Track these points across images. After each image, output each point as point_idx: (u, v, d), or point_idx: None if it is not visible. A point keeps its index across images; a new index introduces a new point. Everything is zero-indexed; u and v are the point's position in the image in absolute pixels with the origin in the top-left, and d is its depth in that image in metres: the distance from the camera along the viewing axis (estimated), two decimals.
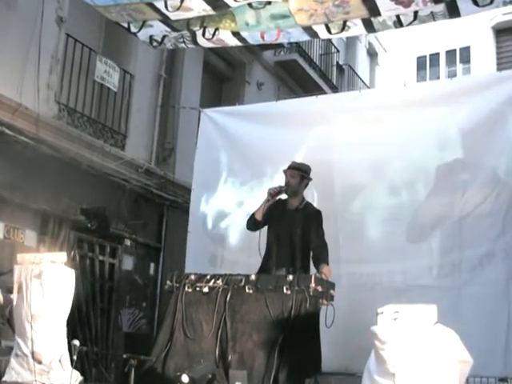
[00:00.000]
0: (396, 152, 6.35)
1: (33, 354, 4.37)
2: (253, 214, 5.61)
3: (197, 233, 7.19)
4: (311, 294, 4.65)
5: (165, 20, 5.13)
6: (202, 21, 5.14)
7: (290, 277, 4.76)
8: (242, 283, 4.87)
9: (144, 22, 5.23)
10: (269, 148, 6.93)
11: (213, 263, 6.78)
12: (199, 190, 7.34)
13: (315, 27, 5.00)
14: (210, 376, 4.32)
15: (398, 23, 4.82)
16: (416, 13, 4.68)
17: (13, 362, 4.49)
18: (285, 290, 4.70)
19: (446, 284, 5.89)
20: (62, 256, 4.71)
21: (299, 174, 5.55)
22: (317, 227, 5.43)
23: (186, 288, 5.05)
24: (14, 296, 4.66)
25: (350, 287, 6.05)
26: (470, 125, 6.09)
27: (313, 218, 5.47)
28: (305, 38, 5.33)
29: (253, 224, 5.59)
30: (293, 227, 5.42)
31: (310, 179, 5.63)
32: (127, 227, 8.96)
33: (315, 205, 5.92)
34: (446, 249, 6.02)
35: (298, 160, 6.17)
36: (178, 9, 4.79)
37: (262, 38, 5.31)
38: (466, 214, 5.97)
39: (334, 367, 5.52)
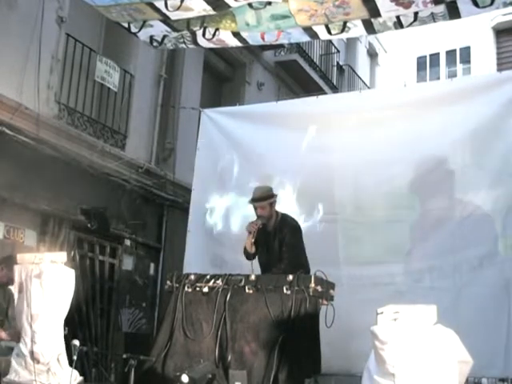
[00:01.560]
0: (396, 153, 6.35)
1: (32, 353, 4.37)
2: (245, 249, 5.61)
3: (196, 233, 7.20)
4: (311, 294, 4.67)
5: (165, 20, 5.12)
6: (203, 21, 5.14)
7: (290, 277, 4.77)
8: (242, 283, 4.88)
9: (144, 21, 5.23)
10: (269, 149, 6.95)
11: (213, 263, 6.78)
12: (199, 190, 7.34)
13: (315, 28, 5.00)
14: (210, 376, 4.32)
15: (399, 24, 4.82)
16: (416, 14, 4.68)
17: (13, 361, 4.50)
18: (285, 290, 4.71)
19: (446, 285, 5.89)
20: (62, 256, 4.71)
21: (266, 203, 5.52)
22: (289, 243, 5.42)
23: (186, 288, 5.06)
24: (14, 296, 4.67)
25: (351, 289, 6.06)
26: (471, 126, 6.09)
27: (289, 233, 5.47)
28: (305, 38, 5.33)
29: (248, 256, 5.61)
30: (275, 245, 5.46)
31: (276, 196, 5.64)
32: (127, 227, 8.97)
33: (315, 206, 5.96)
34: (447, 250, 6.02)
35: (299, 163, 6.22)
36: (179, 8, 4.79)
37: (263, 38, 5.31)
38: (466, 215, 5.98)
39: (333, 368, 5.52)
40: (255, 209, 5.58)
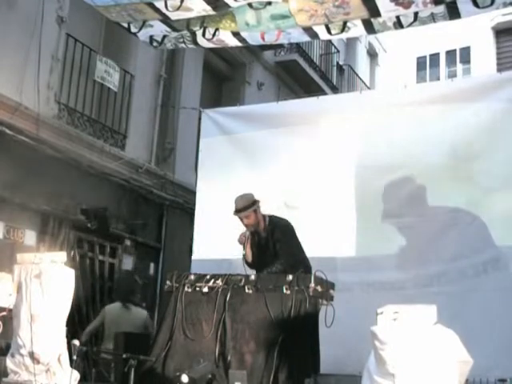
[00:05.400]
0: (399, 157, 6.34)
1: (32, 353, 4.36)
2: (245, 259, 5.52)
3: (203, 234, 7.19)
4: (311, 294, 4.67)
5: (165, 20, 5.12)
6: (202, 21, 5.14)
7: (290, 277, 4.77)
8: (242, 283, 4.88)
9: (144, 22, 5.23)
10: (270, 150, 6.95)
11: (220, 266, 6.72)
12: (205, 192, 7.32)
13: (315, 28, 5.00)
14: (210, 376, 4.32)
15: (398, 24, 4.81)
16: (416, 14, 4.68)
17: (8, 362, 4.49)
18: (284, 290, 4.71)
19: (453, 290, 5.92)
20: (62, 256, 4.71)
21: (250, 211, 5.40)
22: (283, 241, 5.36)
23: (186, 288, 5.06)
24: (14, 296, 4.66)
25: (362, 293, 6.13)
26: (472, 127, 6.09)
27: (281, 234, 5.41)
28: (305, 38, 5.32)
29: (249, 266, 5.51)
30: (269, 249, 5.40)
31: (259, 201, 5.48)
32: (127, 227, 8.97)
33: (314, 210, 5.94)
34: (453, 256, 6.05)
35: (300, 165, 6.22)
36: (178, 9, 4.79)
37: (262, 38, 5.30)
38: (470, 220, 6.01)
39: (347, 369, 5.54)
40: (241, 219, 5.44)
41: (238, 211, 5.44)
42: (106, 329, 6.81)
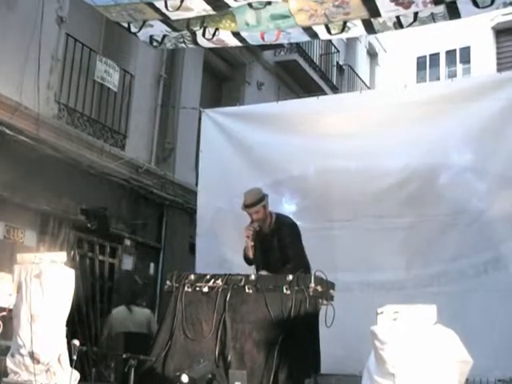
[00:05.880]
0: (399, 157, 6.35)
1: (32, 353, 4.36)
2: (245, 254, 5.55)
3: (205, 236, 7.19)
4: (311, 293, 4.67)
5: (165, 20, 5.12)
6: (202, 21, 5.14)
7: (290, 277, 4.77)
8: (242, 283, 4.88)
9: (144, 21, 5.23)
10: (270, 150, 6.96)
11: (223, 267, 6.72)
12: (206, 193, 7.32)
13: (315, 28, 5.00)
14: (210, 376, 4.32)
15: (398, 24, 4.81)
16: (416, 14, 4.68)
17: (8, 362, 4.49)
18: (284, 290, 4.71)
19: (453, 290, 5.94)
20: (62, 256, 4.71)
21: (260, 206, 5.39)
22: (291, 242, 5.37)
23: (186, 288, 5.06)
24: (14, 296, 4.66)
25: (361, 293, 6.13)
26: (472, 128, 6.09)
27: (289, 232, 5.41)
28: (305, 38, 5.33)
29: (249, 262, 5.56)
30: (274, 246, 5.40)
31: (267, 196, 5.49)
32: (127, 227, 8.97)
33: (314, 210, 5.93)
34: (453, 256, 6.07)
35: (300, 166, 6.21)
36: (178, 9, 4.79)
37: (262, 38, 5.30)
38: (471, 221, 6.02)
39: (348, 369, 5.54)
40: (250, 215, 5.43)
41: (247, 206, 5.40)
42: (114, 333, 6.95)
